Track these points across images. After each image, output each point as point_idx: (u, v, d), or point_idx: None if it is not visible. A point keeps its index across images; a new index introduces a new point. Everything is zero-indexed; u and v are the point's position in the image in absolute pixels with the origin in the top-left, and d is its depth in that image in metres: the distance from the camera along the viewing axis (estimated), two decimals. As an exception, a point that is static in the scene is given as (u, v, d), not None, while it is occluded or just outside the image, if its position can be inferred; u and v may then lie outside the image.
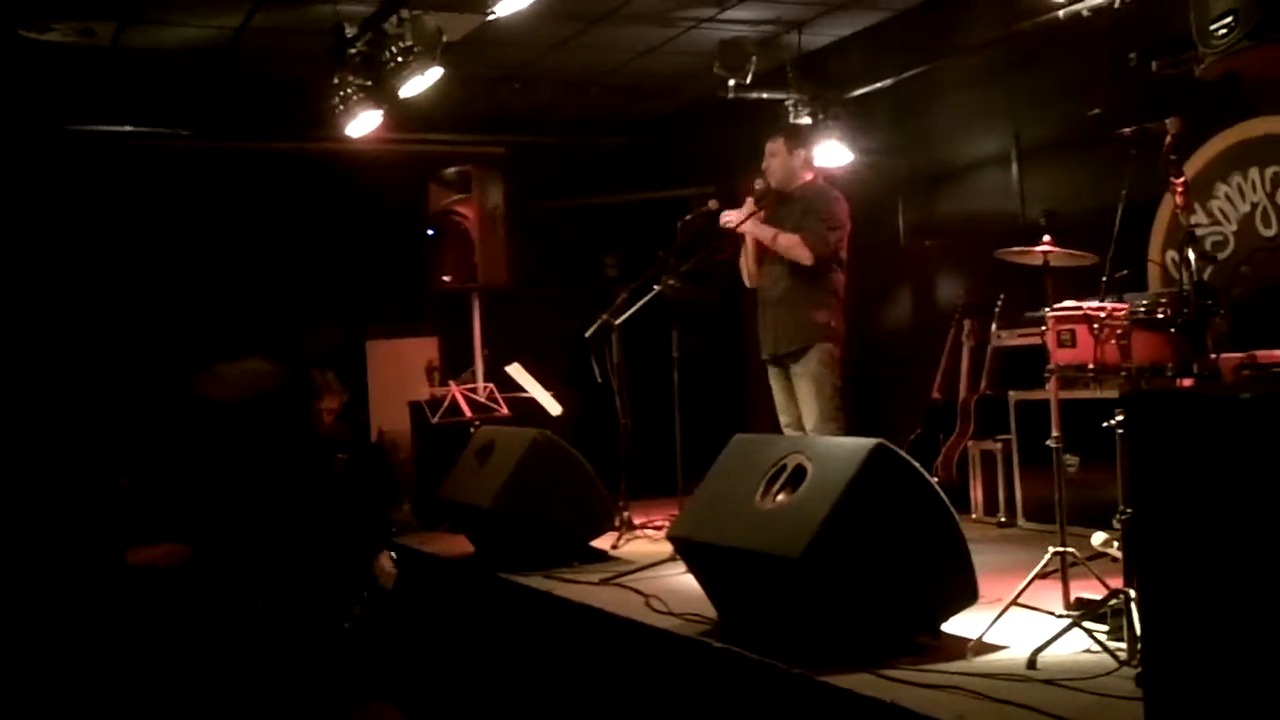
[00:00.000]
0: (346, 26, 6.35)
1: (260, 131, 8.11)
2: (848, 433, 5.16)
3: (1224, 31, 2.84)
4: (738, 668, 3.53)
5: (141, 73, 7.41)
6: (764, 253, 5.56)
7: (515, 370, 6.84)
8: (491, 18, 5.73)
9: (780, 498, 3.68)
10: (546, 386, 6.77)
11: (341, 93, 6.53)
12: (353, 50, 6.37)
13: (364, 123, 6.62)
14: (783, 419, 5.51)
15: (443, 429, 6.80)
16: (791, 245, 5.33)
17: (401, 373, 8.02)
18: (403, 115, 6.72)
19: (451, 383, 7.12)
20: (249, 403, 7.87)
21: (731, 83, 6.82)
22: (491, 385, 7.09)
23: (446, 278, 7.31)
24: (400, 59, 6.03)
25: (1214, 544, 2.42)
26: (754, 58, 6.74)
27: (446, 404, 6.88)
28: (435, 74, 6.03)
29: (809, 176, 5.54)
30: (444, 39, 5.99)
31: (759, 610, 3.74)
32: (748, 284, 5.66)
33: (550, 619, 4.63)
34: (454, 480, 5.93)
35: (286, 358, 7.97)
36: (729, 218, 5.49)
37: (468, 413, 6.84)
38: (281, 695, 5.51)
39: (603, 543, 5.57)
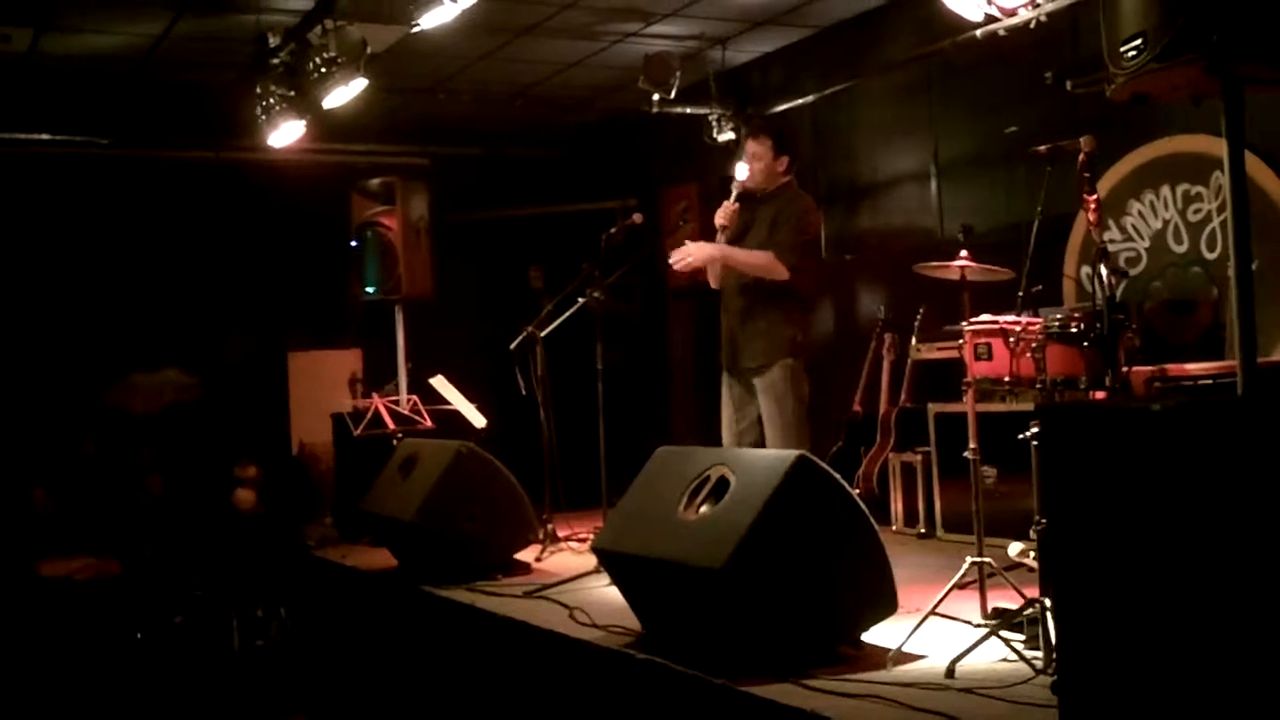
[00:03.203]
0: (270, 36, 6.27)
1: (181, 140, 7.98)
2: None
3: (1133, 53, 2.89)
4: (660, 679, 3.52)
5: (59, 80, 7.26)
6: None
7: (439, 382, 6.78)
8: (416, 29, 5.68)
9: (703, 509, 3.69)
10: (470, 399, 6.72)
11: (264, 102, 6.44)
12: (275, 60, 6.30)
13: (286, 133, 6.54)
14: (726, 434, 5.22)
15: (365, 441, 6.72)
16: (765, 265, 4.96)
17: (323, 384, 7.92)
18: (326, 125, 6.66)
19: (374, 394, 7.04)
20: (165, 414, 7.72)
21: (655, 97, 6.85)
22: (415, 397, 7.02)
23: (369, 289, 7.23)
24: (324, 69, 5.96)
25: (1126, 554, 2.47)
26: (678, 73, 6.78)
27: (369, 416, 6.80)
28: (359, 85, 5.98)
29: (785, 180, 5.24)
30: (368, 50, 5.95)
31: (682, 621, 3.74)
32: (714, 284, 5.31)
33: (473, 632, 4.58)
34: (376, 493, 5.86)
35: (204, 369, 7.83)
36: (721, 220, 5.17)
37: (390, 425, 6.77)
38: (195, 710, 5.39)
39: (526, 555, 5.54)
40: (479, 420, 6.62)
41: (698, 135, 7.50)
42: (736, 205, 5.10)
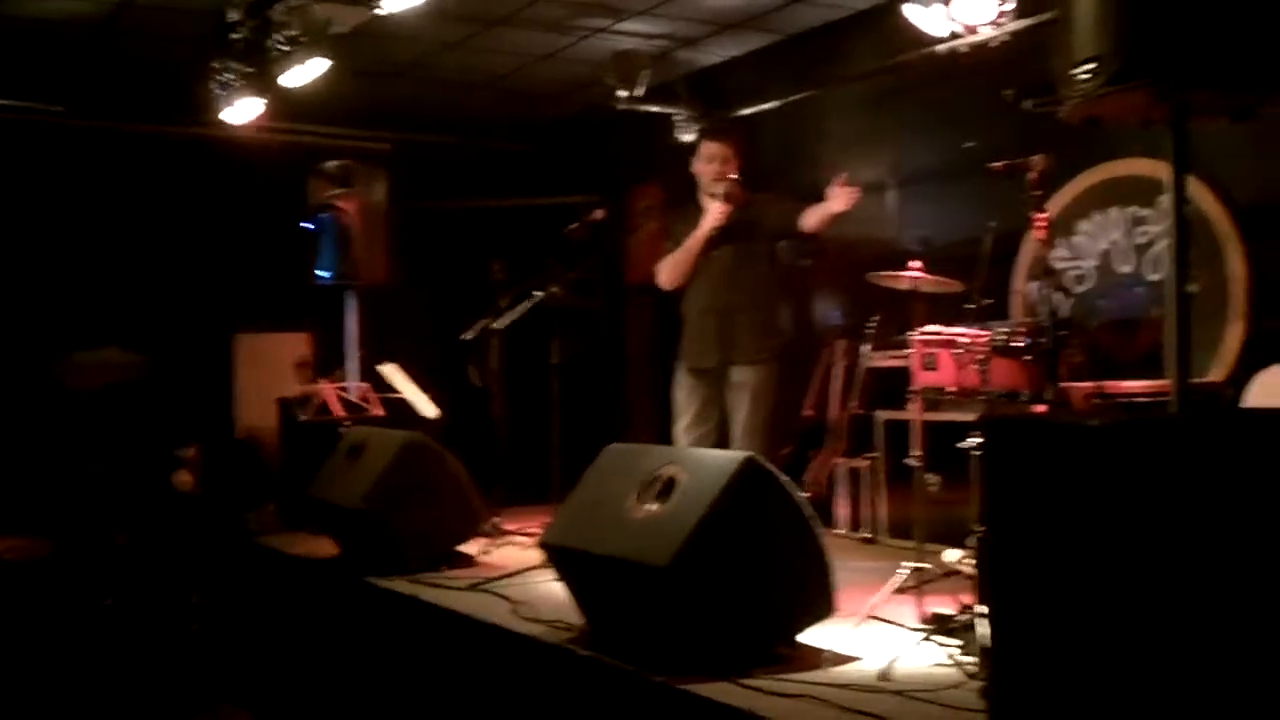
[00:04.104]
0: (230, 11, 6.21)
1: (136, 112, 7.87)
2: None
3: (1086, 78, 2.97)
4: (601, 675, 3.55)
5: (14, 42, 7.13)
6: (710, 255, 5.21)
7: (390, 370, 6.76)
8: (381, 12, 5.66)
9: (651, 507, 3.71)
10: (423, 388, 6.71)
11: (221, 78, 6.38)
12: (235, 35, 6.24)
13: (244, 110, 6.48)
14: (684, 436, 5.21)
15: (312, 427, 6.67)
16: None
17: (271, 369, 7.84)
18: (286, 105, 6.61)
19: (323, 380, 7.00)
20: (105, 393, 7.62)
21: (623, 94, 6.87)
22: (365, 385, 6.99)
23: (322, 273, 7.19)
24: (285, 48, 5.92)
25: (1060, 564, 2.53)
26: (646, 71, 6.80)
27: (317, 402, 6.75)
28: (321, 65, 5.94)
29: (740, 185, 5.24)
30: (332, 30, 5.91)
31: (626, 618, 3.77)
32: (666, 286, 5.32)
33: (415, 624, 4.58)
34: (323, 480, 5.83)
35: (147, 348, 7.74)
36: (714, 218, 5.15)
37: (339, 412, 6.73)
38: (125, 696, 5.34)
39: (472, 548, 5.54)
40: (430, 410, 6.61)
41: (664, 135, 7.54)
42: (729, 206, 5.12)
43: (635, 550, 3.58)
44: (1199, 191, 5.01)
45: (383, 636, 4.83)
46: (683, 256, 5.25)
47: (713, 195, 5.18)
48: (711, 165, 5.21)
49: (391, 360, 6.80)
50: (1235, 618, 2.36)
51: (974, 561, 3.70)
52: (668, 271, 5.30)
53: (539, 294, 5.82)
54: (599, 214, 5.83)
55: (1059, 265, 5.65)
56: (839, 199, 4.85)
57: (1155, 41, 2.84)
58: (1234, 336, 5.07)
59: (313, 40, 5.85)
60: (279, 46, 5.92)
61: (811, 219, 4.93)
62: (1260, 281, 5.07)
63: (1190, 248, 3.09)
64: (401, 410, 6.72)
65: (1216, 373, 5.02)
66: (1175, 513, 2.37)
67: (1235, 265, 5.11)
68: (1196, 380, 3.94)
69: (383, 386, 6.85)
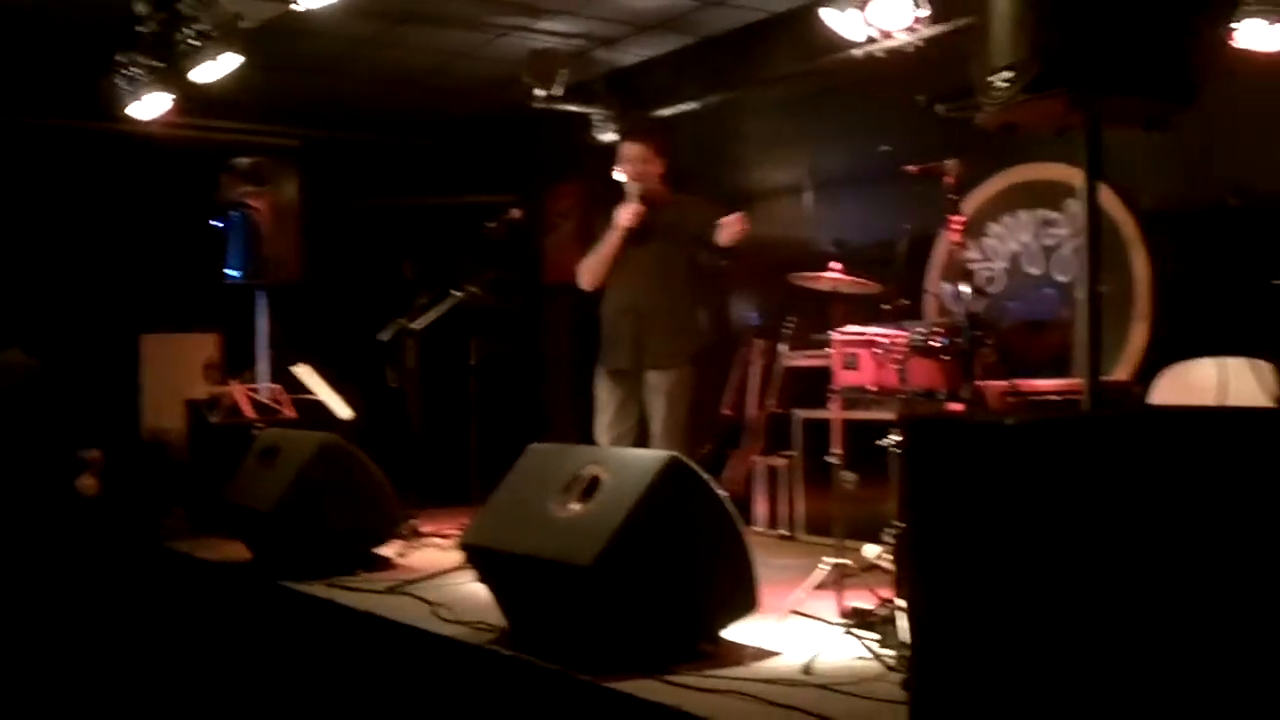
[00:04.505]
0: (137, 4, 6.05)
1: (39, 107, 7.63)
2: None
3: (1003, 85, 3.04)
4: (525, 675, 3.54)
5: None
6: (625, 255, 5.17)
7: (303, 371, 6.65)
8: (297, 8, 5.56)
9: (574, 507, 3.71)
10: (337, 390, 6.61)
11: (128, 73, 6.22)
12: (142, 29, 6.08)
13: (152, 106, 6.32)
14: (604, 436, 5.18)
15: (222, 430, 6.54)
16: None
17: (178, 370, 7.67)
18: (195, 101, 6.46)
19: (233, 381, 6.86)
20: (6, 396, 7.39)
21: (540, 93, 6.85)
22: (277, 386, 6.87)
23: (233, 271, 7.05)
24: (195, 42, 5.79)
25: (977, 558, 2.59)
26: (563, 70, 6.79)
27: (227, 404, 6.62)
28: (233, 61, 5.83)
29: (663, 186, 5.21)
30: (242, 24, 5.80)
31: (549, 618, 3.76)
32: (587, 286, 5.27)
33: (333, 628, 4.52)
34: (235, 483, 5.72)
35: (50, 350, 7.51)
36: (624, 218, 5.09)
37: (250, 413, 6.60)
38: (26, 702, 5.17)
39: (389, 551, 5.48)
40: (344, 412, 6.52)
41: (582, 135, 7.54)
42: (642, 206, 5.07)
43: (559, 550, 3.57)
44: (1105, 196, 5.17)
45: (299, 641, 4.75)
46: (599, 257, 5.22)
47: (628, 196, 5.16)
48: (630, 166, 5.19)
49: (305, 361, 6.69)
50: (1148, 607, 2.44)
51: (893, 556, 3.77)
52: (586, 272, 5.28)
53: (456, 294, 5.77)
54: (516, 214, 5.81)
55: (972, 266, 5.79)
56: (725, 232, 4.89)
57: (1071, 50, 2.93)
58: (1139, 336, 5.24)
59: (223, 35, 5.73)
60: (188, 41, 5.79)
61: (724, 235, 4.96)
62: (1163, 283, 5.25)
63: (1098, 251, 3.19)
64: (315, 412, 6.62)
65: (1123, 371, 5.19)
66: (1088, 508, 2.44)
67: (1140, 268, 5.28)
68: (1105, 379, 4.06)
69: (295, 388, 6.74)
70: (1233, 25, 4.66)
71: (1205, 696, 2.48)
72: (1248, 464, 2.62)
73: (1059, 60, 2.94)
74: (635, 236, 5.13)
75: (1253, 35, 4.69)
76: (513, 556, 3.82)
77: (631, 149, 5.18)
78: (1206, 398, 4.19)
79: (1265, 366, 4.17)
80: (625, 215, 5.07)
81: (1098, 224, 3.21)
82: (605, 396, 5.20)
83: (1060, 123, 3.19)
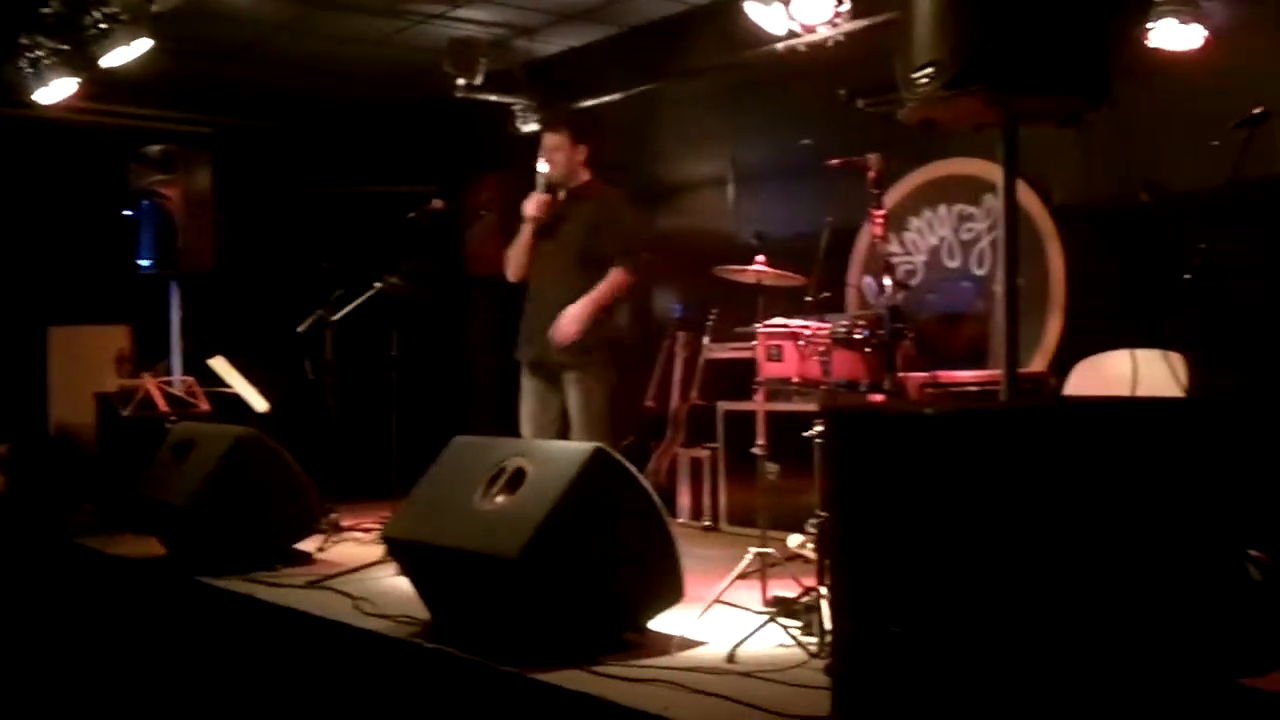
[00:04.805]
0: (40, -17, 5.88)
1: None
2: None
3: (924, 81, 3.10)
4: (450, 668, 3.52)
5: None
6: (544, 246, 5.14)
7: (218, 364, 6.52)
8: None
9: (499, 499, 3.70)
10: (253, 382, 6.49)
11: (33, 55, 6.03)
12: (48, 10, 5.90)
13: (57, 90, 6.14)
14: (527, 427, 5.17)
15: (134, 423, 6.38)
16: (620, 286, 4.99)
17: (88, 363, 7.47)
18: (104, 86, 6.29)
19: (145, 374, 6.70)
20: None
21: (460, 82, 6.79)
22: (191, 378, 6.73)
23: (144, 262, 6.88)
24: (103, 25, 5.63)
25: (898, 546, 2.63)
26: (484, 59, 6.74)
27: (139, 397, 6.47)
28: (144, 45, 5.68)
29: (588, 175, 5.16)
30: (154, 8, 5.66)
31: (474, 610, 3.74)
32: (510, 278, 5.23)
33: (252, 624, 4.44)
34: (149, 478, 5.59)
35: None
36: (527, 209, 5.09)
37: (163, 407, 6.46)
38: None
39: (309, 545, 5.40)
40: (261, 404, 6.40)
41: (505, 125, 7.48)
42: (548, 196, 5.05)
43: (484, 542, 3.56)
44: (1022, 191, 5.27)
45: (218, 638, 4.66)
46: (515, 249, 5.21)
47: (537, 186, 5.13)
48: (548, 155, 5.15)
49: (219, 353, 6.56)
50: (1064, 591, 2.51)
51: (815, 546, 3.81)
52: (508, 264, 5.27)
53: (376, 285, 5.70)
54: (437, 204, 5.75)
55: (892, 260, 5.86)
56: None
57: (990, 49, 2.99)
58: (1054, 328, 5.37)
59: (133, 18, 5.59)
60: (97, 24, 5.63)
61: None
62: (1077, 277, 5.38)
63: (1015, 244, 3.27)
64: (231, 405, 6.49)
65: (1039, 363, 5.31)
66: (1005, 496, 2.50)
67: (1055, 262, 5.41)
68: (1022, 370, 4.15)
69: (210, 380, 6.60)
70: (1147, 25, 4.80)
71: (1121, 681, 2.55)
72: (1158, 452, 2.71)
73: (978, 59, 3.00)
74: (548, 228, 5.10)
75: (1166, 35, 4.83)
76: (437, 549, 3.80)
77: (549, 138, 5.14)
78: (1120, 388, 4.30)
79: (1175, 358, 4.29)
80: (529, 206, 5.05)
81: (1015, 219, 3.29)
82: (526, 388, 5.19)
83: (979, 119, 3.26)
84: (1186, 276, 4.18)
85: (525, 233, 5.11)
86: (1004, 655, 2.48)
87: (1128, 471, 2.61)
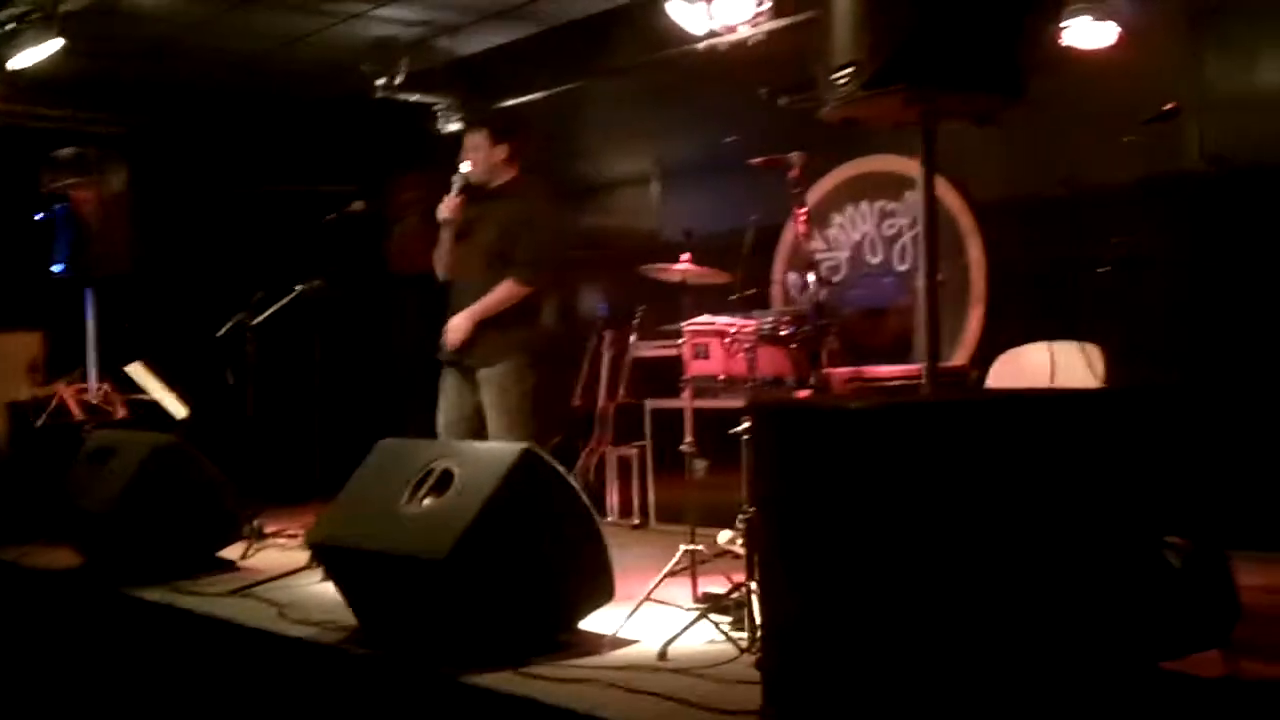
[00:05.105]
0: (-55, -16, 5.72)
1: None
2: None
3: (844, 81, 3.14)
4: (379, 673, 3.48)
5: None
6: (461, 246, 5.12)
7: (136, 370, 6.39)
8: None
9: (427, 502, 3.67)
10: (172, 388, 6.36)
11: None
12: (-49, 11, 5.75)
13: (-35, 92, 5.98)
14: (443, 426, 5.12)
15: (47, 432, 6.24)
16: (509, 297, 4.91)
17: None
18: (14, 87, 6.14)
19: (59, 382, 6.54)
20: None
21: (381, 81, 6.73)
22: (107, 385, 6.58)
23: (57, 266, 6.72)
24: (11, 26, 5.49)
25: (825, 540, 2.66)
26: (405, 58, 6.68)
27: (53, 406, 6.32)
28: (54, 45, 5.55)
29: (512, 173, 5.13)
30: (64, 7, 5.53)
31: (402, 615, 3.70)
32: (441, 277, 5.19)
33: (175, 634, 4.36)
34: (65, 486, 5.46)
35: None
36: (441, 211, 5.03)
37: (78, 415, 6.31)
38: None
39: (232, 553, 5.31)
40: (180, 411, 6.29)
41: (428, 124, 7.43)
42: (461, 199, 5.01)
43: (411, 545, 3.53)
44: (942, 187, 5.36)
45: (138, 649, 4.57)
46: (438, 250, 5.18)
47: (452, 187, 5.11)
48: (468, 155, 5.13)
49: (137, 359, 6.42)
50: (987, 581, 2.55)
51: (744, 541, 3.83)
52: (437, 265, 5.24)
53: (298, 287, 5.63)
54: (359, 204, 5.69)
55: (816, 256, 5.91)
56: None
57: (908, 50, 3.04)
58: (975, 322, 5.47)
59: (43, 18, 5.46)
60: (5, 25, 5.49)
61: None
62: (997, 271, 5.47)
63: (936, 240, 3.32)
64: (150, 411, 6.36)
65: (961, 356, 5.39)
66: (929, 488, 2.53)
67: (975, 256, 5.50)
68: (944, 364, 4.22)
69: (128, 387, 6.46)
70: (1061, 24, 4.89)
71: (1044, 667, 2.60)
72: (1076, 443, 2.76)
73: (896, 59, 3.05)
74: (466, 228, 5.07)
75: (1080, 33, 4.94)
76: (363, 553, 3.75)
77: (470, 138, 5.12)
78: (1039, 380, 4.39)
79: (1093, 349, 4.39)
80: (443, 207, 5.04)
81: (934, 215, 3.34)
82: (444, 388, 5.18)
83: (898, 118, 3.31)
84: (1103, 270, 4.28)
85: (444, 234, 5.10)
86: (930, 645, 2.51)
87: (1047, 462, 2.66)
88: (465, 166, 5.02)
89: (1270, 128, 4.85)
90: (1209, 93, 4.92)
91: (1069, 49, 4.97)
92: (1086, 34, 4.95)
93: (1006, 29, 3.12)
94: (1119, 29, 4.96)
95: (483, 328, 4.97)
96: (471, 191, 5.04)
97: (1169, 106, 4.07)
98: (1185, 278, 4.94)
